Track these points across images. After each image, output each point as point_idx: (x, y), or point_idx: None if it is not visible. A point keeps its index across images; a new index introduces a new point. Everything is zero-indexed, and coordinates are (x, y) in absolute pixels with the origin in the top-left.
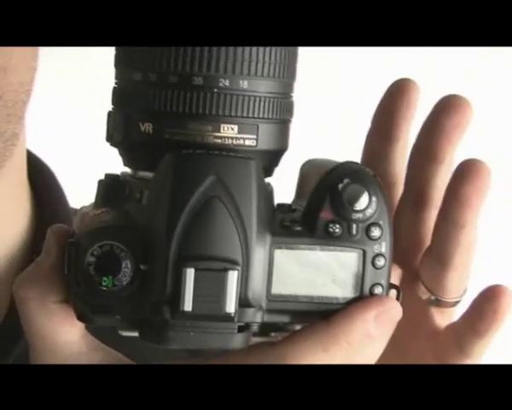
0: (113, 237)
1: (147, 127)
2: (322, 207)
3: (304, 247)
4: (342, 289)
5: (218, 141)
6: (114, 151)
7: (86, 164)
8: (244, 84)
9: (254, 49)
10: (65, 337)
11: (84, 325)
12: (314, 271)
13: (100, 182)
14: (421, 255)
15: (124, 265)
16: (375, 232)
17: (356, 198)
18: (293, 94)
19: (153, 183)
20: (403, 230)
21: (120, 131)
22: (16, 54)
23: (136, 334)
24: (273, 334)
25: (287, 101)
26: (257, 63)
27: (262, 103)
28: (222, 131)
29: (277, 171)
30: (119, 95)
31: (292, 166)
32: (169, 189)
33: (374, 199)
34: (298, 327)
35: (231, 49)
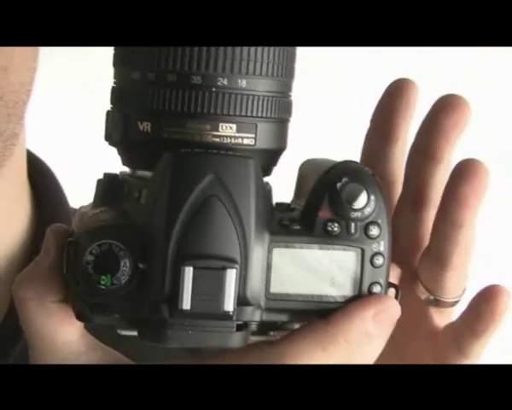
0: (111, 236)
1: (145, 126)
2: (321, 205)
3: (302, 246)
4: (341, 288)
5: (217, 140)
6: (113, 151)
7: (85, 164)
8: (242, 83)
9: (253, 48)
10: (64, 337)
11: (83, 325)
12: (312, 269)
13: (99, 181)
14: (419, 255)
15: (122, 263)
16: (374, 231)
17: (354, 197)
18: (291, 93)
19: (151, 182)
20: (402, 229)
21: (119, 130)
22: (17, 54)
23: (134, 333)
24: (272, 333)
25: (285, 100)
26: (255, 62)
27: (260, 102)
28: (220, 130)
29: (277, 171)
30: (117, 94)
31: (291, 166)
32: (167, 187)
33: (372, 198)
34: (296, 326)
35: (229, 48)
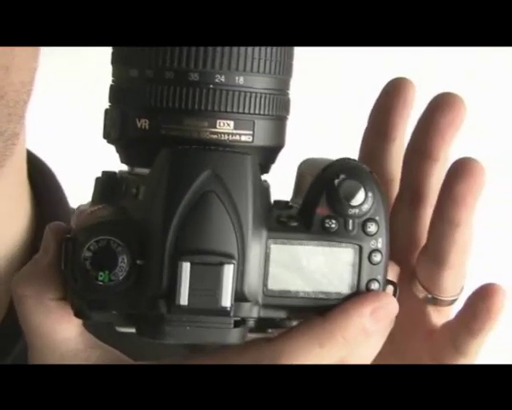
0: (109, 232)
1: (143, 123)
2: (319, 202)
3: (300, 242)
4: (338, 285)
5: (215, 137)
6: (112, 150)
7: (84, 162)
8: (240, 80)
9: None
10: (62, 335)
11: (82, 323)
12: (310, 266)
13: (97, 179)
14: (417, 254)
15: (120, 260)
16: (372, 228)
17: (352, 194)
18: (289, 91)
19: (149, 178)
20: (399, 228)
21: (117, 127)
22: (18, 54)
23: (132, 330)
24: (270, 330)
25: (283, 97)
26: (252, 59)
27: (258, 99)
28: (218, 126)
29: (277, 170)
30: (115, 91)
31: (291, 166)
32: (165, 184)
33: (370, 195)
34: (294, 323)
35: None
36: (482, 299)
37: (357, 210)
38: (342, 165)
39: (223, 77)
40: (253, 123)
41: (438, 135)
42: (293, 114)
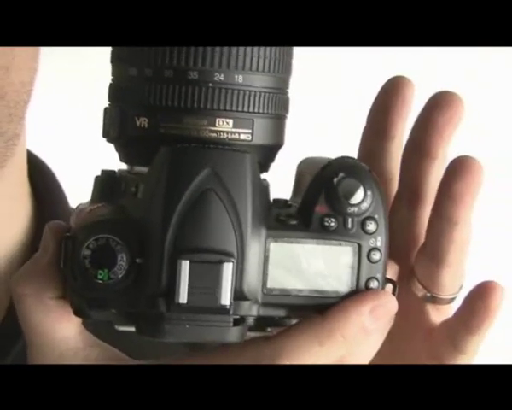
0: (108, 231)
1: (142, 122)
2: (318, 201)
3: (299, 241)
4: (338, 283)
5: (214, 135)
6: (111, 149)
7: (84, 162)
8: (239, 78)
9: None
10: (62, 333)
11: (81, 322)
12: (309, 264)
13: (96, 178)
14: (416, 252)
15: (119, 258)
16: (371, 226)
17: (351, 192)
18: (288, 90)
19: (148, 176)
20: (398, 226)
21: (116, 126)
22: (18, 54)
23: (132, 328)
24: (269, 329)
25: (282, 96)
26: (252, 58)
27: (257, 98)
28: (217, 125)
29: (277, 169)
30: (114, 90)
31: (291, 165)
32: (164, 182)
33: (369, 193)
34: (293, 322)
35: None
36: (480, 297)
37: (356, 208)
38: (341, 163)
39: (222, 75)
40: (252, 121)
41: (436, 133)
42: (292, 113)
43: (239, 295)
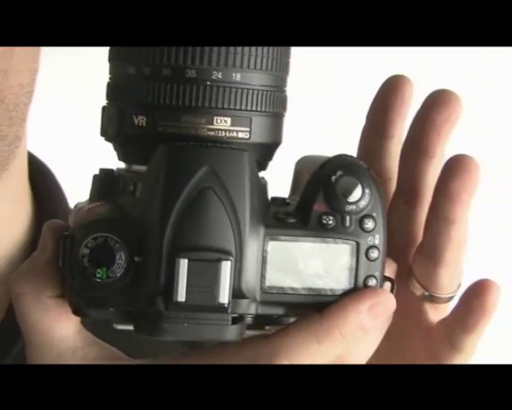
0: (107, 230)
1: (140, 120)
2: (316, 199)
3: (297, 239)
4: (336, 281)
5: (212, 133)
6: (110, 148)
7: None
8: (237, 76)
9: None
10: (60, 332)
11: (80, 320)
12: (307, 262)
13: (95, 177)
14: (414, 251)
15: (118, 257)
16: (369, 224)
17: (349, 190)
18: (286, 88)
19: (146, 175)
20: (396, 225)
21: (114, 124)
22: (17, 54)
23: (130, 327)
24: (267, 327)
25: (280, 94)
26: (249, 56)
27: (255, 96)
28: (215, 123)
29: (275, 167)
30: (113, 89)
31: (289, 163)
32: (162, 180)
33: (367, 191)
34: (292, 320)
35: None
36: (476, 295)
37: (354, 206)
38: (339, 161)
39: (220, 74)
40: (250, 120)
41: (434, 131)
42: (291, 111)
43: (237, 293)
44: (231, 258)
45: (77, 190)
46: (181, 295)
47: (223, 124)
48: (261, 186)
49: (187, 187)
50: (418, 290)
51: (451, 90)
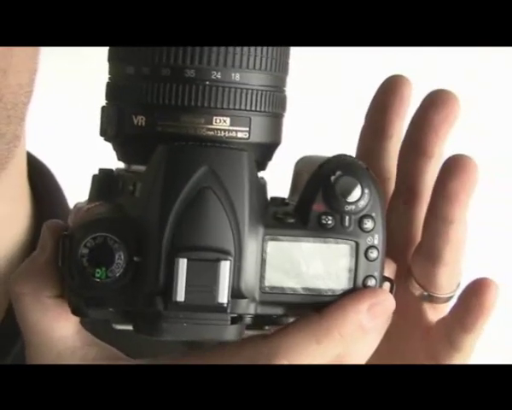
0: (106, 229)
1: (140, 120)
2: (315, 199)
3: (296, 239)
4: (335, 281)
5: (211, 133)
6: (109, 148)
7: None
8: (236, 76)
9: None
10: (60, 332)
11: (79, 320)
12: (307, 263)
13: (94, 177)
14: (412, 251)
15: (117, 256)
16: (368, 224)
17: (348, 190)
18: (285, 88)
19: (145, 175)
20: (396, 224)
21: (113, 124)
22: (16, 55)
23: (129, 327)
24: (267, 327)
25: (279, 94)
26: (248, 56)
27: (254, 96)
28: (214, 123)
29: (274, 168)
30: (112, 89)
31: (289, 163)
32: (161, 180)
33: (366, 191)
34: (291, 320)
35: None
36: (475, 294)
37: (353, 206)
38: (338, 161)
39: (219, 74)
40: (250, 119)
41: (432, 131)
42: (290, 112)
43: (236, 293)
44: (230, 258)
45: (76, 190)
46: (180, 295)
47: (222, 124)
48: (260, 186)
49: (186, 187)
50: (417, 290)
51: (449, 90)
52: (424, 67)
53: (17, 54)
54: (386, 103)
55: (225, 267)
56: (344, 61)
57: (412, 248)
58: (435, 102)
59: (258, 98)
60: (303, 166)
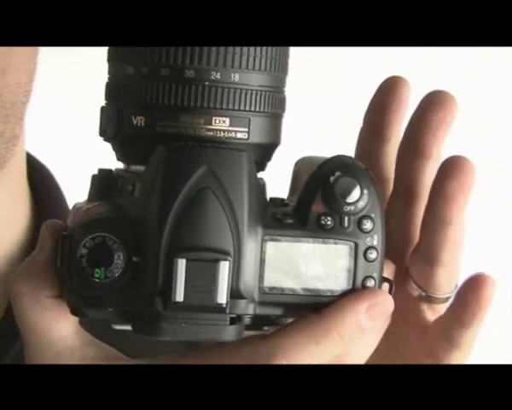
0: (105, 229)
1: (139, 120)
2: (314, 199)
3: (296, 239)
4: (334, 282)
5: (210, 133)
6: (108, 148)
7: (81, 161)
8: (235, 77)
9: None
10: (59, 332)
11: (78, 321)
12: (306, 263)
13: (93, 177)
14: (410, 252)
15: (116, 256)
16: (367, 225)
17: (347, 191)
18: (285, 89)
19: (145, 175)
20: (394, 225)
21: (113, 125)
22: (16, 55)
23: (128, 327)
24: (266, 328)
25: (279, 95)
26: (248, 56)
27: (253, 96)
28: (214, 123)
29: (274, 168)
30: (111, 89)
31: (288, 164)
32: (161, 180)
33: (365, 192)
34: (290, 320)
35: None
36: (472, 289)
37: (352, 207)
38: (338, 162)
39: (218, 74)
40: (249, 120)
41: (430, 132)
42: (290, 112)
43: (235, 293)
44: (229, 258)
45: (75, 190)
46: (179, 296)
47: (221, 124)
48: (259, 187)
49: (185, 187)
50: (415, 291)
51: (447, 91)
52: (424, 67)
53: (17, 54)
54: (384, 105)
55: (224, 268)
56: (343, 61)
57: (410, 248)
58: (433, 103)
59: (258, 99)
60: (302, 166)
